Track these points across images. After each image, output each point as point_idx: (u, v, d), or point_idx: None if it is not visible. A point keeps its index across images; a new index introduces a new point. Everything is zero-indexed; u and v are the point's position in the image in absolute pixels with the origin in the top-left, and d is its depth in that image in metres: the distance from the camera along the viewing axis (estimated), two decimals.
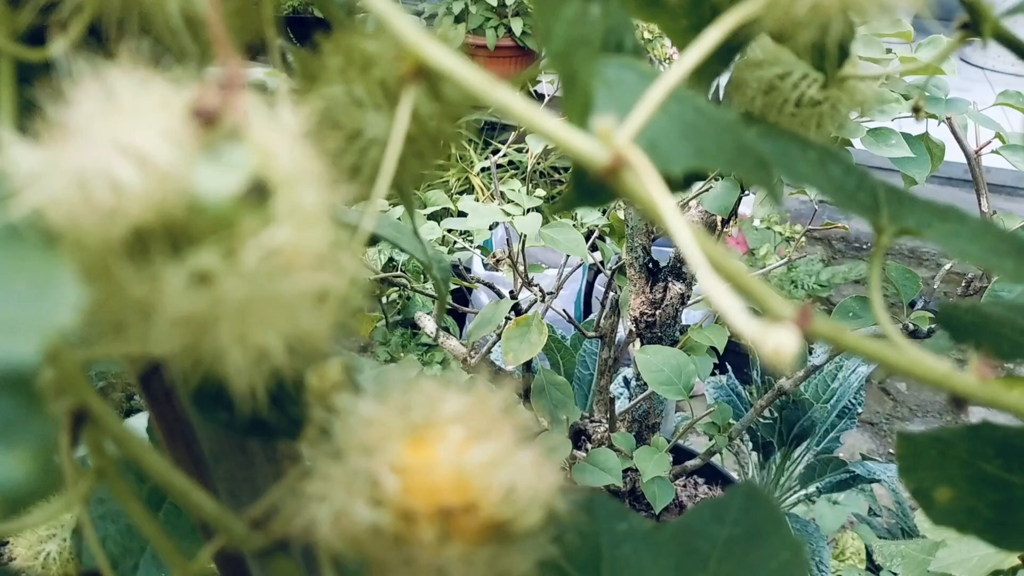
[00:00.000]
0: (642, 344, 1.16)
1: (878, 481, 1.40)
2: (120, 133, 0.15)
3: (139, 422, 0.55)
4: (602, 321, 1.24)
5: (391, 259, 1.71)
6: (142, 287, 0.15)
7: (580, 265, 1.40)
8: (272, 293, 0.16)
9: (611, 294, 1.24)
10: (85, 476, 0.24)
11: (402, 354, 1.90)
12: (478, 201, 1.29)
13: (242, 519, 0.23)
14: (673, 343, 1.15)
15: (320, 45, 0.27)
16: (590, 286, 2.21)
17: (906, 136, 0.91)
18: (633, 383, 1.35)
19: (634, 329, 1.19)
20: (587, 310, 2.20)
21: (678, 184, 0.27)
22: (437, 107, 0.25)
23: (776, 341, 0.17)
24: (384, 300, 1.83)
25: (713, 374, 1.50)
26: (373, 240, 0.50)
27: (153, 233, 0.15)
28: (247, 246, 0.15)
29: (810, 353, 1.33)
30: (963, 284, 0.93)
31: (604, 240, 1.35)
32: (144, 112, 0.15)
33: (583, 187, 0.30)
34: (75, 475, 0.24)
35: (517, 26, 2.71)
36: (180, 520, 0.45)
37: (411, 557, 0.19)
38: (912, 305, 1.01)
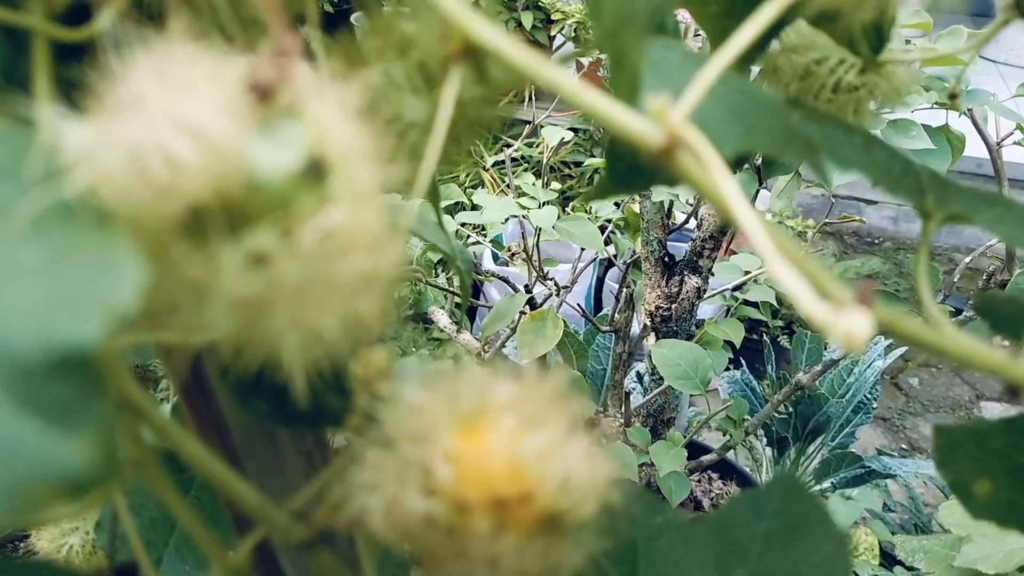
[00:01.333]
0: (658, 338, 1.16)
1: (893, 476, 1.39)
2: (175, 107, 0.14)
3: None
4: (616, 315, 1.23)
5: (403, 249, 1.70)
6: (198, 267, 0.15)
7: (594, 260, 1.40)
8: (328, 275, 0.15)
9: (625, 288, 1.23)
10: (123, 469, 0.24)
11: (414, 349, 1.89)
12: (489, 195, 1.28)
13: (283, 510, 0.22)
14: (689, 337, 1.14)
15: (357, 30, 0.27)
16: (601, 281, 2.20)
17: (927, 128, 0.91)
18: (647, 378, 1.34)
19: (649, 323, 1.18)
20: (598, 305, 2.19)
21: (729, 162, 0.26)
22: (480, 89, 0.25)
23: (848, 324, 0.16)
24: (396, 295, 1.82)
25: (727, 369, 1.49)
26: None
27: (209, 211, 0.14)
28: (304, 226, 0.15)
29: (826, 348, 1.33)
30: (984, 277, 0.92)
31: (617, 234, 1.34)
32: (198, 87, 0.15)
33: (618, 173, 0.29)
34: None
35: (527, 20, 2.70)
36: (201, 514, 0.45)
37: (464, 549, 0.18)
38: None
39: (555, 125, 1.26)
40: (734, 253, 1.70)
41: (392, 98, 0.26)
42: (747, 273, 1.19)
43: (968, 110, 0.92)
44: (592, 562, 0.30)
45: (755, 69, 0.40)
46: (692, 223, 1.25)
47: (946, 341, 0.22)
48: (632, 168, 0.29)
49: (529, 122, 1.42)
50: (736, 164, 0.26)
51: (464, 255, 0.53)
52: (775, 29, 0.34)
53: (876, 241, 2.89)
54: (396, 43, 0.25)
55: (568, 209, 1.54)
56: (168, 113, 0.14)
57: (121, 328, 0.15)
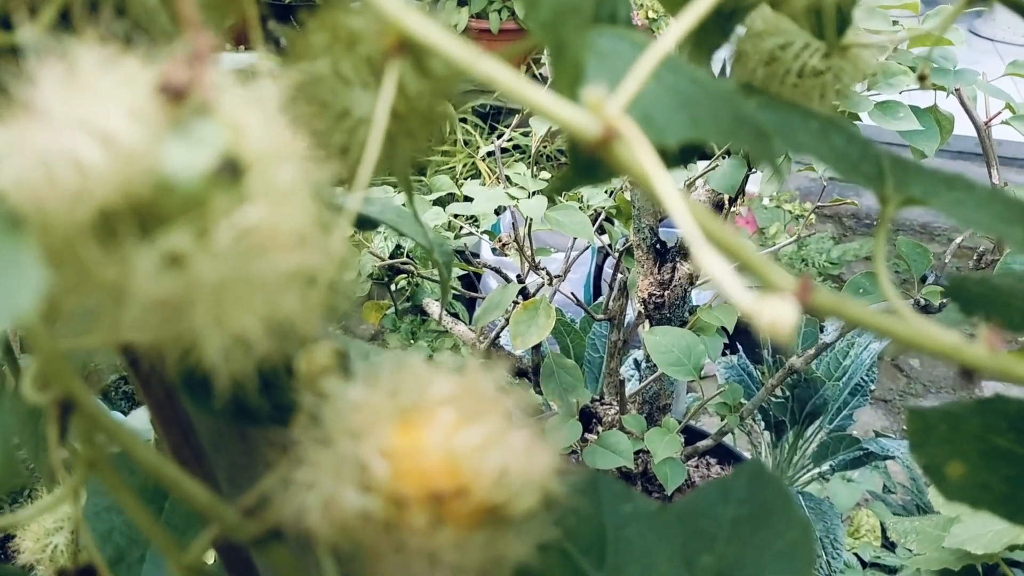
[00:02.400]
0: (651, 325, 1.16)
1: (892, 458, 1.39)
2: (83, 112, 0.14)
3: (141, 414, 0.54)
4: (611, 303, 1.23)
5: (398, 246, 1.70)
6: (112, 271, 0.15)
7: (587, 248, 1.40)
8: (248, 274, 0.15)
9: (619, 276, 1.23)
10: (76, 468, 0.24)
11: (412, 341, 1.89)
12: (485, 186, 1.28)
13: (235, 507, 0.22)
14: (682, 324, 1.14)
15: (305, 23, 0.26)
16: (599, 269, 2.20)
17: (914, 109, 0.90)
18: (643, 365, 1.34)
19: (643, 311, 1.18)
20: (597, 293, 2.19)
21: (675, 158, 0.26)
22: (425, 83, 0.25)
23: (773, 313, 0.16)
24: (393, 287, 1.83)
25: (724, 355, 1.49)
26: (373, 224, 0.50)
27: (121, 214, 0.14)
28: (220, 225, 0.15)
29: (821, 331, 1.32)
30: (975, 258, 0.91)
31: (612, 223, 1.34)
32: (108, 90, 0.14)
33: (580, 164, 0.29)
34: (64, 467, 0.23)
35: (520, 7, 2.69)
36: (183, 513, 0.45)
37: (403, 543, 0.18)
38: (923, 280, 1.00)
39: None
40: None
41: (342, 93, 0.25)
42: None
43: (956, 90, 0.91)
44: (560, 552, 0.30)
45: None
46: None
47: (895, 324, 0.22)
48: (594, 158, 0.29)
49: (520, 110, 1.42)
50: (691, 152, 0.26)
51: (443, 247, 0.53)
52: (732, 16, 0.33)
53: (875, 222, 2.88)
54: (343, 38, 0.25)
55: (562, 197, 1.54)
56: (76, 118, 0.14)
57: (57, 334, 0.15)
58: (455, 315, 1.72)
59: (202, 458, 0.32)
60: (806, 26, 0.35)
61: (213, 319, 0.15)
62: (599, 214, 1.32)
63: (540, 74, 3.09)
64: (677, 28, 0.22)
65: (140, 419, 0.65)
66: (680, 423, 1.09)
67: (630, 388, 1.28)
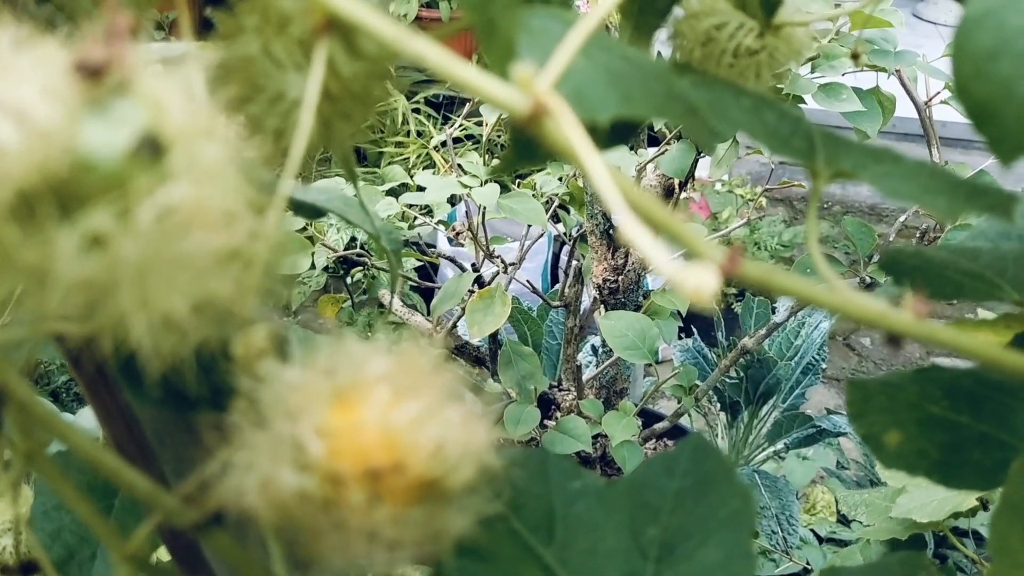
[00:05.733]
0: (607, 311, 1.16)
1: (845, 435, 1.42)
2: None
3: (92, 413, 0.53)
4: (566, 290, 1.24)
5: (353, 238, 1.69)
6: (34, 253, 0.15)
7: (542, 236, 1.40)
8: (172, 254, 0.15)
9: (574, 263, 1.24)
10: (14, 461, 0.24)
11: (370, 334, 1.88)
12: (437, 175, 1.27)
13: (175, 494, 0.22)
14: (637, 308, 1.15)
15: (235, 4, 0.26)
16: (556, 257, 2.21)
17: (857, 90, 0.92)
18: (600, 350, 1.35)
19: (598, 296, 1.19)
20: (555, 281, 2.20)
21: (609, 137, 0.26)
22: (358, 64, 0.24)
23: (696, 280, 0.16)
24: (349, 280, 1.81)
25: (680, 338, 1.51)
26: (319, 212, 0.50)
27: (40, 195, 0.14)
28: (141, 205, 0.15)
29: (772, 311, 1.35)
30: (918, 236, 0.94)
31: (567, 210, 1.35)
32: (23, 70, 0.14)
33: (521, 145, 0.29)
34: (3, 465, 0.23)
35: None
36: (134, 506, 0.45)
37: (341, 521, 0.18)
38: (870, 259, 1.02)
39: None
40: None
41: (274, 76, 0.25)
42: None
43: (897, 71, 0.93)
44: (509, 530, 0.31)
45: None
46: None
47: (822, 293, 0.22)
48: (532, 139, 0.29)
49: (474, 99, 1.42)
50: (626, 131, 0.26)
51: (391, 235, 0.53)
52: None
53: (825, 205, 2.93)
54: (274, 19, 0.25)
55: (515, 185, 1.54)
56: None
57: None
58: (412, 306, 1.72)
59: (146, 451, 0.32)
60: (740, 6, 0.36)
61: (139, 300, 0.15)
62: (553, 201, 1.32)
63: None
64: (603, 5, 0.22)
65: (88, 418, 0.64)
66: (637, 406, 1.10)
67: (588, 374, 1.29)
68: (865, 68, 0.90)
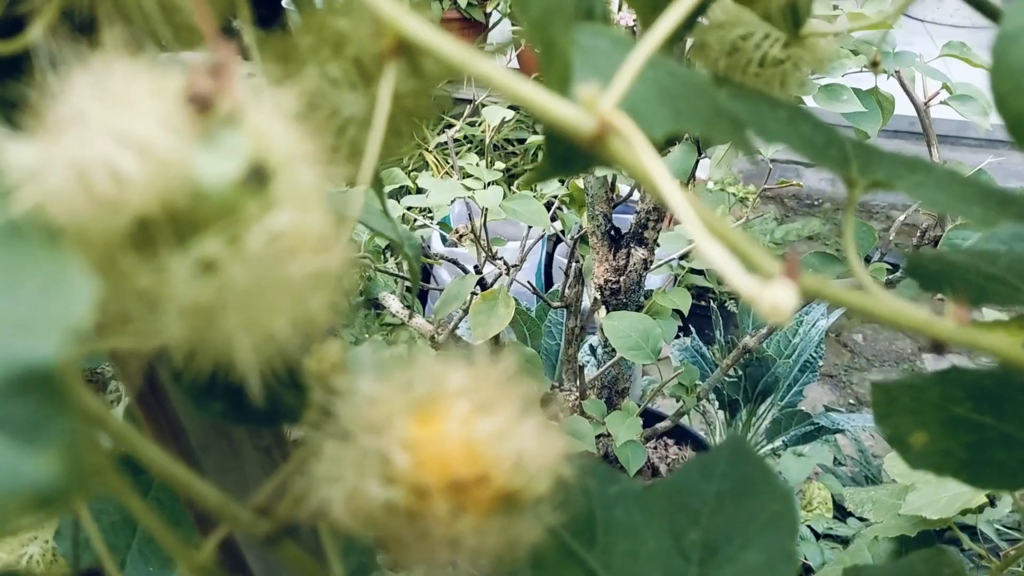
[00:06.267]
0: (608, 311, 1.17)
1: (841, 431, 1.43)
2: (117, 122, 0.14)
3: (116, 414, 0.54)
4: (567, 291, 1.25)
5: (351, 240, 1.69)
6: (148, 278, 0.15)
7: (543, 236, 1.41)
8: (278, 277, 0.16)
9: (574, 263, 1.24)
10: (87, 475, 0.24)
11: (367, 335, 1.88)
12: (435, 177, 1.28)
13: (246, 507, 0.23)
14: (638, 308, 1.16)
15: (288, 27, 0.27)
16: (550, 257, 2.21)
17: (857, 91, 0.93)
18: (600, 350, 1.36)
19: (599, 297, 1.20)
20: (548, 280, 2.21)
21: (658, 148, 0.27)
22: (415, 82, 0.25)
23: (773, 297, 0.17)
24: (344, 287, 1.81)
25: (677, 336, 1.52)
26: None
27: (156, 223, 0.15)
28: (251, 231, 0.15)
29: None
30: (918, 234, 0.95)
31: (563, 210, 1.35)
32: (138, 100, 0.15)
33: (556, 156, 0.30)
34: None
35: None
36: (164, 513, 0.45)
37: (425, 531, 0.19)
38: (868, 259, 1.03)
39: (496, 103, 1.26)
40: (679, 223, 1.72)
41: (330, 95, 0.26)
42: (692, 242, 1.21)
43: (896, 72, 0.94)
44: (552, 535, 0.31)
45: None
46: (636, 195, 1.27)
47: (872, 303, 0.23)
48: (570, 150, 0.30)
49: (470, 101, 1.42)
50: (670, 140, 0.27)
51: (412, 241, 0.53)
52: (701, 7, 0.34)
53: (816, 203, 2.95)
54: (330, 40, 0.26)
55: (514, 187, 1.55)
56: (111, 128, 0.14)
57: (77, 343, 0.16)
58: (409, 307, 1.72)
59: (193, 462, 0.32)
60: (765, 17, 0.37)
61: (244, 321, 0.16)
62: (551, 202, 1.33)
63: None
64: (660, 29, 0.22)
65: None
66: (640, 406, 1.11)
67: (589, 374, 1.29)
68: (865, 68, 0.91)
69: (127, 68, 0.15)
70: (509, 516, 0.20)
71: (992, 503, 0.67)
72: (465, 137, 2.38)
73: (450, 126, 1.36)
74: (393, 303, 1.31)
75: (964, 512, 0.64)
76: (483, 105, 1.30)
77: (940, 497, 0.64)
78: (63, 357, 0.12)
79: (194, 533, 0.36)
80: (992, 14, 0.35)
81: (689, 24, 0.38)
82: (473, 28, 2.80)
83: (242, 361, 0.17)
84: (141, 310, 0.15)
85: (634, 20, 1.09)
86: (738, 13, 0.37)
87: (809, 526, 1.49)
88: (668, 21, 0.23)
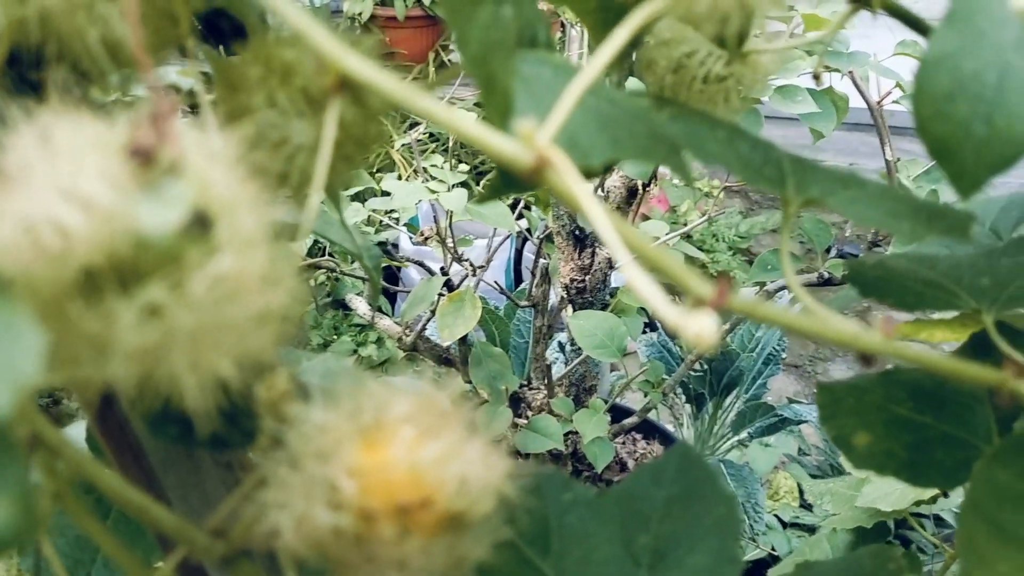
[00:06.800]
0: (574, 310, 1.18)
1: (806, 422, 1.46)
2: (62, 178, 0.15)
3: (76, 431, 0.54)
4: (534, 290, 1.26)
5: (316, 242, 1.69)
6: (95, 324, 0.16)
7: (509, 236, 1.42)
8: (221, 319, 0.17)
9: (541, 262, 1.25)
10: (42, 500, 0.25)
11: (335, 336, 1.89)
12: (400, 178, 1.28)
13: (202, 529, 0.24)
14: (604, 307, 1.18)
15: (238, 54, 0.27)
16: (519, 254, 2.22)
17: (811, 91, 0.95)
18: (568, 348, 1.37)
19: (565, 295, 1.21)
20: (517, 279, 2.22)
21: (598, 171, 0.28)
22: (361, 111, 0.26)
23: (697, 326, 0.18)
24: (312, 283, 1.81)
25: (644, 332, 1.53)
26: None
27: (102, 272, 0.16)
28: (193, 277, 0.16)
29: None
30: (873, 230, 0.97)
31: (530, 209, 1.36)
32: (82, 154, 0.15)
33: (508, 177, 0.31)
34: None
35: None
36: (126, 530, 0.45)
37: (373, 554, 0.20)
38: (828, 251, 1.05)
39: (461, 100, 1.27)
40: (646, 218, 1.74)
41: (279, 123, 0.27)
42: (656, 239, 1.23)
43: (849, 72, 0.96)
44: (507, 543, 0.32)
45: None
46: (600, 194, 1.28)
47: (799, 320, 0.24)
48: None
49: (439, 98, 1.42)
50: (607, 167, 0.28)
51: (371, 251, 0.54)
52: (644, 28, 0.35)
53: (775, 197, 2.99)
54: (279, 70, 0.26)
55: (480, 186, 1.56)
56: (56, 185, 0.15)
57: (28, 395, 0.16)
58: (378, 308, 1.73)
59: (153, 479, 0.33)
60: (709, 35, 0.38)
61: (189, 361, 0.17)
62: (518, 201, 1.34)
63: (449, 60, 3.08)
64: (597, 62, 0.23)
65: (73, 435, 0.64)
66: (607, 403, 1.12)
67: (556, 371, 1.31)
68: (822, 70, 0.93)
69: (71, 121, 0.16)
70: (455, 536, 0.21)
71: (945, 494, 0.69)
72: (431, 136, 2.38)
73: (415, 125, 1.36)
74: (360, 305, 1.32)
75: (918, 503, 0.66)
76: (452, 103, 1.30)
77: (894, 489, 0.66)
78: (11, 412, 0.12)
79: (156, 549, 0.37)
80: (921, 29, 0.37)
81: (635, 41, 0.39)
82: (437, 25, 2.80)
83: (188, 397, 0.17)
84: (90, 354, 0.16)
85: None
86: (683, 31, 0.39)
87: (776, 515, 1.52)
88: (603, 56, 0.24)
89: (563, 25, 1.28)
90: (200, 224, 0.16)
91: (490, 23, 0.24)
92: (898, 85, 1.02)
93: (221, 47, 0.31)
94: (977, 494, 0.30)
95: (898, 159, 0.99)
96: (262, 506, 0.20)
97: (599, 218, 0.20)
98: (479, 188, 1.45)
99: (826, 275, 0.97)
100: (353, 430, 0.20)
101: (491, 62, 0.24)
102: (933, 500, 0.68)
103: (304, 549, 0.20)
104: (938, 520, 0.98)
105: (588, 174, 0.25)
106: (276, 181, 0.27)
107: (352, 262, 1.60)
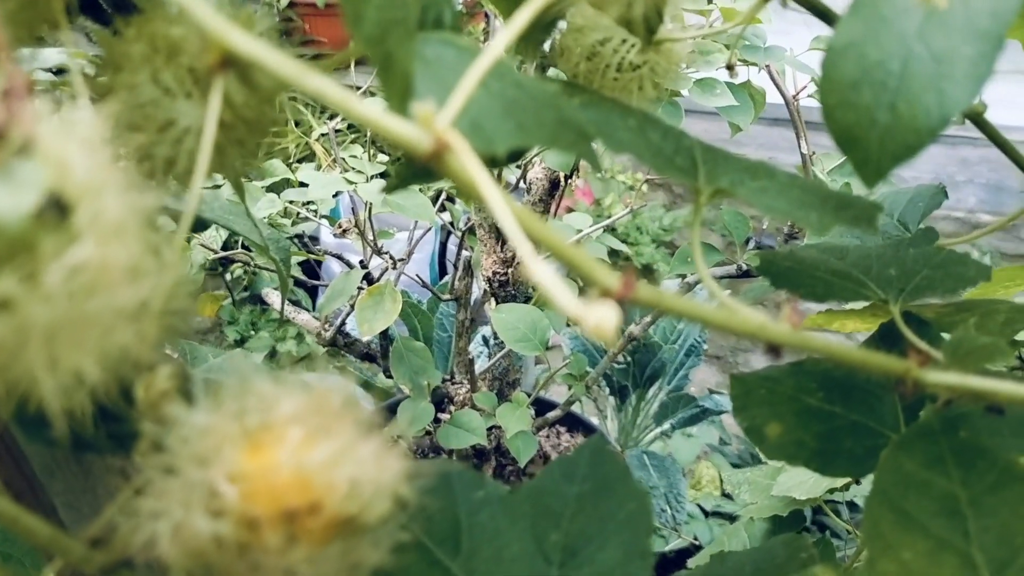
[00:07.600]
0: (497, 303, 1.18)
1: (726, 412, 1.48)
2: None
3: None
4: (456, 283, 1.24)
5: (232, 235, 1.65)
6: None
7: (430, 229, 1.40)
8: (81, 313, 0.15)
9: (463, 255, 1.24)
10: None
11: (253, 332, 1.84)
12: (320, 168, 1.26)
13: (79, 539, 0.22)
14: (527, 299, 1.17)
15: (122, 30, 0.26)
16: (443, 247, 2.21)
17: (730, 85, 0.96)
18: (492, 342, 1.36)
19: (488, 289, 1.20)
20: (443, 270, 2.20)
21: (503, 159, 0.27)
22: (251, 94, 0.24)
23: (597, 317, 0.17)
24: (228, 277, 1.77)
25: (568, 325, 1.54)
26: (204, 225, 0.49)
27: None
28: (48, 267, 0.15)
29: None
30: (789, 222, 0.98)
31: (453, 201, 1.35)
32: None
33: (414, 167, 0.30)
34: None
35: None
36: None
37: (258, 563, 0.19)
38: (747, 243, 1.06)
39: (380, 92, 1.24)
40: (571, 211, 1.74)
41: (164, 104, 0.25)
42: (579, 232, 1.23)
43: (766, 66, 0.97)
44: (416, 545, 0.31)
45: None
46: (523, 185, 1.27)
47: (705, 312, 0.24)
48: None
49: (358, 88, 1.40)
50: (512, 155, 0.27)
51: (279, 244, 0.52)
52: (555, 17, 0.35)
53: None
54: (164, 48, 0.25)
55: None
56: None
57: None
58: (297, 303, 1.69)
59: (36, 487, 0.31)
60: (622, 23, 0.37)
61: (47, 359, 0.15)
62: (440, 193, 1.32)
63: None
64: (496, 45, 0.22)
65: None
66: (530, 396, 1.12)
67: (480, 365, 1.30)
68: (736, 63, 0.94)
69: None
70: (348, 541, 0.20)
71: (858, 481, 0.71)
72: (351, 127, 2.35)
73: (334, 116, 1.33)
74: (277, 300, 1.29)
75: (832, 491, 0.67)
76: (372, 93, 1.28)
77: (809, 478, 0.67)
78: None
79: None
80: (832, 20, 0.37)
81: (548, 28, 0.39)
82: None
83: (47, 398, 0.16)
84: None
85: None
86: (596, 18, 0.38)
87: (699, 504, 1.54)
88: (502, 39, 0.23)
89: (487, 16, 1.27)
90: (57, 209, 0.15)
91: (387, 1, 0.23)
92: (813, 80, 1.04)
93: (105, 24, 0.29)
94: (883, 482, 0.31)
95: (813, 153, 1.01)
96: (139, 515, 0.19)
97: (499, 206, 0.20)
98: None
99: (745, 267, 0.99)
100: (237, 432, 0.19)
101: (388, 41, 0.22)
102: (846, 488, 0.69)
103: (184, 559, 0.19)
104: (852, 506, 1.00)
105: (494, 162, 0.25)
106: (163, 166, 0.26)
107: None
